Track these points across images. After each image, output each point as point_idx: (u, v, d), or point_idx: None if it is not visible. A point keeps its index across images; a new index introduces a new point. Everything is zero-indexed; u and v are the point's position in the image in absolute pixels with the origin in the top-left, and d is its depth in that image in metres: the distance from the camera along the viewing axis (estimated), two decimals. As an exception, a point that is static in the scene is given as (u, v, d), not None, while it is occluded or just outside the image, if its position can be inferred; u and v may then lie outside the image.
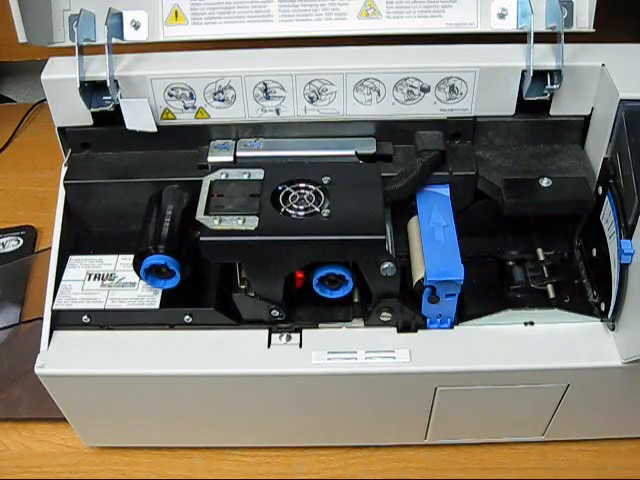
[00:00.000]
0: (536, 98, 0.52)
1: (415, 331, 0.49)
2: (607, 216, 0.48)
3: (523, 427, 0.55)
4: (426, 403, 0.51)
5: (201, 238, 0.45)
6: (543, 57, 0.50)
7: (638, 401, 0.51)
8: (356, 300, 0.51)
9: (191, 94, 0.52)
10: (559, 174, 0.52)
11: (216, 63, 0.52)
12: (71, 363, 0.48)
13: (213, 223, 0.46)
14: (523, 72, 0.51)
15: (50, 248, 0.52)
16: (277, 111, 0.53)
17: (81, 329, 0.50)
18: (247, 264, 0.47)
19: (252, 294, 0.49)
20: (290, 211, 0.47)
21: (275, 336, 0.49)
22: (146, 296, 0.50)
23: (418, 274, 0.49)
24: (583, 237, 0.53)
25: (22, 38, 0.50)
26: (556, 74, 0.50)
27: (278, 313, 0.49)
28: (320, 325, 0.50)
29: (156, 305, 0.50)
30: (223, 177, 0.49)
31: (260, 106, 0.53)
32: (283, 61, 0.52)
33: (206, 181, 0.49)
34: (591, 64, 0.50)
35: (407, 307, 0.49)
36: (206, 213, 0.47)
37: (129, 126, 0.53)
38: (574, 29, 0.52)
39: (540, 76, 0.51)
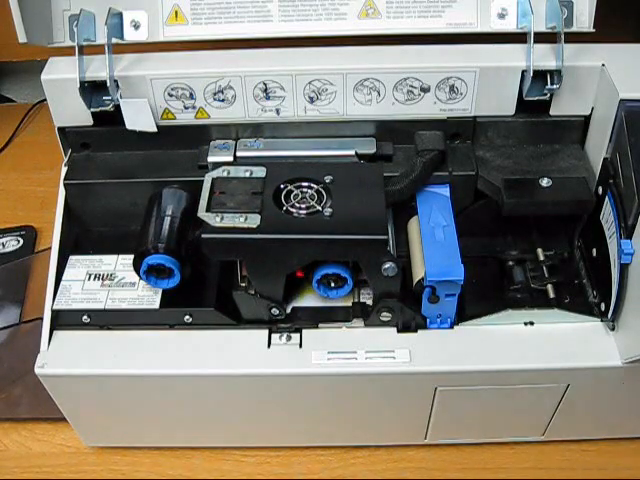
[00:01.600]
0: (536, 98, 0.52)
1: (415, 331, 0.49)
2: (607, 216, 0.48)
3: (523, 427, 0.55)
4: (426, 403, 0.51)
5: (203, 235, 0.45)
6: (543, 57, 0.50)
7: (638, 401, 0.51)
8: (356, 300, 0.51)
9: (191, 94, 0.52)
10: (559, 174, 0.52)
11: (216, 63, 0.52)
12: (71, 363, 0.48)
13: (215, 220, 0.46)
14: (523, 72, 0.51)
15: (50, 248, 0.52)
16: (277, 111, 0.53)
17: (81, 329, 0.50)
18: (248, 262, 0.47)
19: (252, 292, 0.49)
20: (292, 209, 0.47)
21: (275, 336, 0.49)
22: (146, 296, 0.50)
23: (418, 274, 0.49)
24: (583, 237, 0.53)
25: (22, 38, 0.50)
26: (556, 74, 0.50)
27: (278, 312, 0.49)
28: (320, 325, 0.50)
29: (156, 305, 0.49)
30: (225, 174, 0.49)
31: (260, 106, 0.53)
32: (283, 61, 0.52)
33: (208, 178, 0.49)
34: (591, 64, 0.51)
35: (407, 307, 0.49)
36: (208, 210, 0.47)
37: (129, 126, 0.53)
38: (574, 29, 0.52)
39: (540, 76, 0.51)
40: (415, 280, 0.49)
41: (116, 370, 0.48)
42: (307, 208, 0.47)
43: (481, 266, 0.53)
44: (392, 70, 0.51)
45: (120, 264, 0.52)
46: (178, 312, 0.50)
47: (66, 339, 0.50)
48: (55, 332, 0.50)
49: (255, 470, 0.56)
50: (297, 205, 0.47)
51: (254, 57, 0.52)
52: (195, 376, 0.48)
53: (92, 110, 0.52)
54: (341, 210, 0.47)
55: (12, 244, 0.73)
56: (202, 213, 0.47)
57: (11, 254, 0.71)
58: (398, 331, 0.50)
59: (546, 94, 0.52)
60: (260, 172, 0.49)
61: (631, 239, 0.45)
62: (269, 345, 0.49)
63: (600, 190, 0.50)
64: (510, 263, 0.54)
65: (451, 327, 0.50)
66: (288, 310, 0.51)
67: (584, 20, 0.52)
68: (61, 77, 0.51)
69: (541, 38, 0.51)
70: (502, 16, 0.52)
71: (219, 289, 0.50)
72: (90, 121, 0.53)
